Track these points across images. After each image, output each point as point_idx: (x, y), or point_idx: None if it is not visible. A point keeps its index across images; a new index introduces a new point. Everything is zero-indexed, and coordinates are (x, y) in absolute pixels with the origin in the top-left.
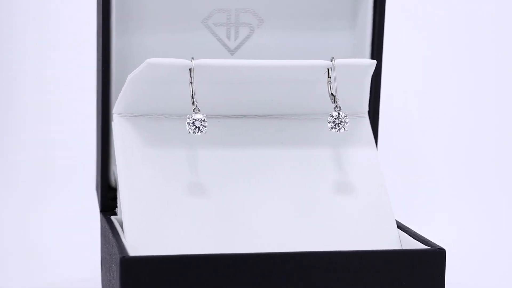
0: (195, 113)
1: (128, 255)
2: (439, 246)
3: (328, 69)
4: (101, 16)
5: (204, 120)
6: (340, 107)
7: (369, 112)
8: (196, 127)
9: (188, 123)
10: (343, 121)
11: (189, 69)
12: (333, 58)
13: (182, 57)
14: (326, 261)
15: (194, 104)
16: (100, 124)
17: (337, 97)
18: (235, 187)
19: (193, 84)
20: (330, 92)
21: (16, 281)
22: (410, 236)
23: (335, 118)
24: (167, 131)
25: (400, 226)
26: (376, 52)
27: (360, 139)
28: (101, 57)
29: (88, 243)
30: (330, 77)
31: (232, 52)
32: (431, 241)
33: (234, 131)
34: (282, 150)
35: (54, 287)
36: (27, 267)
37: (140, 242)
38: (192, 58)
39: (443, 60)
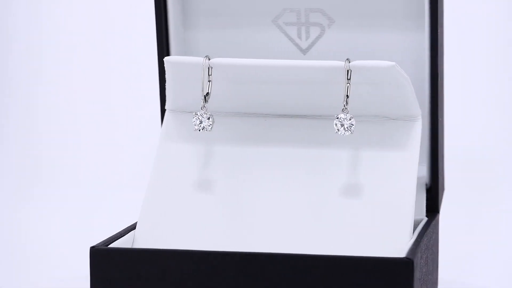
0: (201, 110)
1: (97, 246)
2: (408, 257)
3: (347, 70)
4: (163, 14)
5: (208, 119)
6: (347, 109)
7: (434, 115)
8: (202, 126)
9: (194, 121)
10: (348, 123)
11: (209, 68)
12: (347, 59)
13: (253, 57)
14: (285, 264)
15: (203, 102)
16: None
17: (348, 99)
18: (257, 186)
19: (211, 82)
20: (346, 93)
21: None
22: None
23: (341, 120)
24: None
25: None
26: (433, 53)
27: (401, 142)
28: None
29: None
30: (349, 78)
31: (304, 51)
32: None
33: (269, 130)
34: (311, 150)
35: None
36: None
37: (148, 235)
38: (206, 56)
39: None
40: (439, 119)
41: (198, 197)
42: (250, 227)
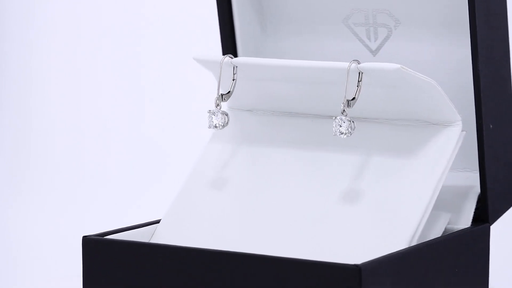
0: (216, 107)
1: (89, 236)
2: (357, 264)
3: (359, 73)
4: (227, 17)
5: (222, 117)
6: (346, 112)
7: (479, 122)
8: (214, 124)
9: (208, 118)
10: (345, 126)
11: (234, 67)
12: (355, 60)
13: (325, 59)
14: (234, 263)
15: (218, 100)
16: None
17: (354, 100)
18: (288, 189)
19: (235, 81)
20: (354, 95)
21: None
22: None
23: (339, 123)
24: (250, 126)
25: None
26: (474, 58)
27: (426, 148)
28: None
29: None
30: (360, 80)
31: (374, 53)
32: None
33: (312, 131)
34: (330, 153)
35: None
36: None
37: (168, 230)
38: (228, 54)
39: None
40: (489, 126)
41: (222, 198)
42: (264, 229)
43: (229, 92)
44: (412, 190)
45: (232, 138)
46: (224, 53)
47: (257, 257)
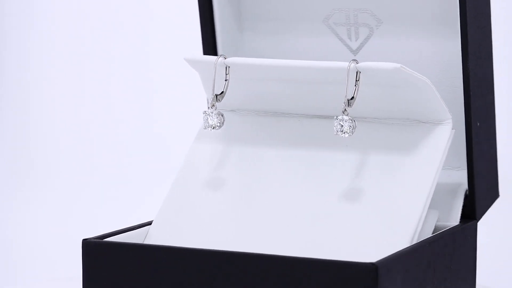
0: (211, 108)
1: (89, 239)
2: (373, 262)
3: (357, 72)
4: (208, 16)
5: (217, 117)
6: (347, 111)
7: (467, 120)
8: (210, 125)
9: (203, 118)
10: (347, 125)
11: (226, 67)
12: (353, 60)
13: (305, 58)
14: (245, 263)
15: (213, 101)
16: None
17: (352, 100)
18: (276, 188)
19: (227, 81)
20: (353, 95)
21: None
22: None
23: (341, 122)
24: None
25: None
26: (464, 57)
27: (420, 146)
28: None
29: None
30: (358, 80)
31: (354, 52)
32: None
33: (299, 130)
34: (325, 152)
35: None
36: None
37: (161, 231)
38: (221, 55)
39: None
40: (477, 123)
41: (215, 198)
42: (259, 230)
43: (222, 92)
44: (410, 188)
45: (216, 138)
46: (204, 51)
47: (265, 257)
